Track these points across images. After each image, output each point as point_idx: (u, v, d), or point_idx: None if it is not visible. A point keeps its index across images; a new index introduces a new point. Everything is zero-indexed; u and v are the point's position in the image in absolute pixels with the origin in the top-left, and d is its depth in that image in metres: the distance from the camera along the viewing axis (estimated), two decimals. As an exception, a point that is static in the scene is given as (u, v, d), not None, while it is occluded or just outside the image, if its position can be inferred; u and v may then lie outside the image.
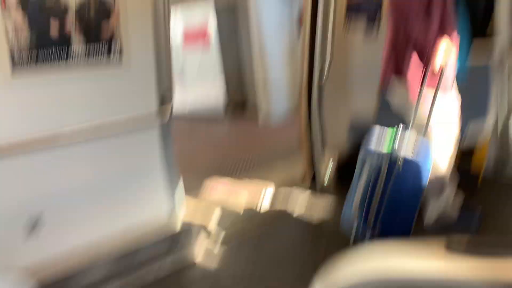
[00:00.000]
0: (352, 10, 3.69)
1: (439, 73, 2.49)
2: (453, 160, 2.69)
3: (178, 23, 9.15)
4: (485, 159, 3.49)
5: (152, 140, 2.59)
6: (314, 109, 3.61)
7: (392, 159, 2.36)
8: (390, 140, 2.39)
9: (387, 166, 2.36)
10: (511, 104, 3.36)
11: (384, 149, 2.39)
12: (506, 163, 3.47)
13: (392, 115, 2.97)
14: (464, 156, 3.44)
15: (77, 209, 2.31)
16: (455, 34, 2.53)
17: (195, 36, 9.61)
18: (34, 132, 2.13)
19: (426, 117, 2.53)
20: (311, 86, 3.59)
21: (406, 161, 2.34)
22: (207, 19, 9.22)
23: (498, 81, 3.33)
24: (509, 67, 3.28)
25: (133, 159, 2.56)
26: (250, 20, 8.13)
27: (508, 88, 3.32)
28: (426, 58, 2.51)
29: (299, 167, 4.05)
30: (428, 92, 2.56)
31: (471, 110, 3.01)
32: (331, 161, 3.72)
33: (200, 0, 9.29)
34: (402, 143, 2.37)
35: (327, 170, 3.75)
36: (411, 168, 2.37)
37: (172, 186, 2.72)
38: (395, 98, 2.86)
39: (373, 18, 3.73)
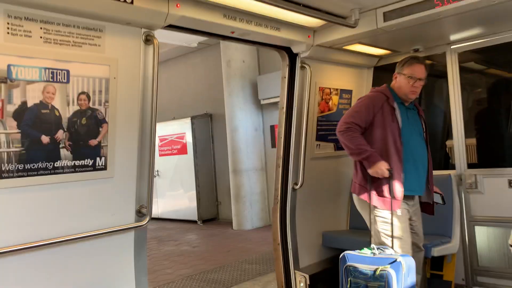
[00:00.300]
0: (320, 138, 4.00)
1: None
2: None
3: (157, 132, 9.50)
4: (454, 266, 3.76)
5: (127, 247, 2.60)
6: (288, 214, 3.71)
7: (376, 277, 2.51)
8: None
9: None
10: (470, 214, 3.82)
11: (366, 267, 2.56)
12: (476, 270, 3.80)
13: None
14: (437, 263, 3.67)
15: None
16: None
17: (172, 144, 9.89)
18: (16, 237, 2.13)
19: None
20: (286, 192, 3.72)
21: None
22: (185, 128, 9.60)
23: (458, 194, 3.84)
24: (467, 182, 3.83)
25: (107, 265, 2.53)
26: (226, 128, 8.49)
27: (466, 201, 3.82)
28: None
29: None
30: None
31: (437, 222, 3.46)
32: (304, 277, 3.72)
33: (180, 116, 9.80)
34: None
35: (300, 287, 3.73)
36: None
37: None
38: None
39: (340, 147, 4.10)
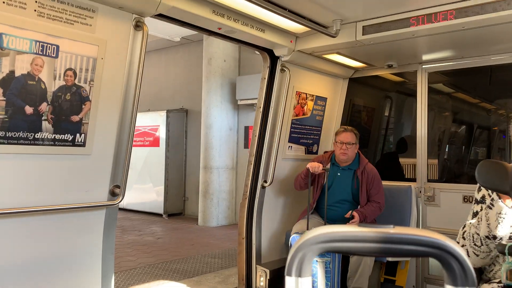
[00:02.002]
0: (293, 140, 4.17)
1: None
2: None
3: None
4: (407, 272, 4.02)
5: (97, 224, 2.67)
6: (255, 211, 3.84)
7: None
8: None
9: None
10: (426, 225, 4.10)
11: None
12: (426, 278, 4.06)
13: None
14: (391, 269, 3.89)
15: (16, 281, 2.28)
16: None
17: (144, 135, 9.87)
18: None
19: None
20: (255, 189, 3.84)
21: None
22: (159, 121, 9.61)
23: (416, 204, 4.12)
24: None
25: (76, 240, 2.59)
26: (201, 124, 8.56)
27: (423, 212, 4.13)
28: None
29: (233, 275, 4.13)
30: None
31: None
32: (265, 272, 3.85)
33: (156, 109, 9.80)
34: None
35: (260, 281, 3.86)
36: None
37: (106, 276, 2.73)
38: None
39: (310, 151, 4.32)
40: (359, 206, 3.79)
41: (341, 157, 3.83)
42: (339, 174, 3.89)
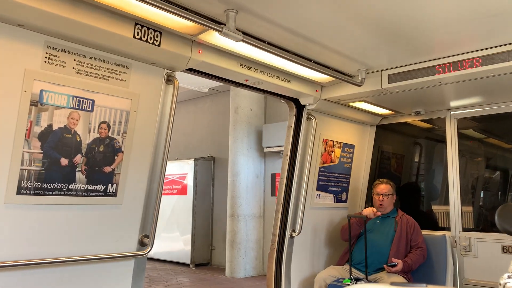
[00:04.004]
0: (321, 188, 4.14)
1: None
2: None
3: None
4: None
5: (126, 275, 2.67)
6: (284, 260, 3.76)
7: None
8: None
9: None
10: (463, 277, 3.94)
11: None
12: None
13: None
14: None
15: None
16: None
17: (173, 183, 9.97)
18: (24, 252, 2.22)
19: None
20: (283, 238, 3.78)
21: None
22: (187, 169, 9.72)
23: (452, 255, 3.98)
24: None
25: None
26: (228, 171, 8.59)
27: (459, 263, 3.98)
28: None
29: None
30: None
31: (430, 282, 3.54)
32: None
33: (184, 157, 9.97)
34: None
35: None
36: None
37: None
38: None
39: (339, 199, 4.28)
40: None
41: (379, 208, 4.04)
42: (378, 222, 4.05)
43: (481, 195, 5.94)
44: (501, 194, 6.14)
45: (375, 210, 3.95)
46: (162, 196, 9.14)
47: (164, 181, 10.83)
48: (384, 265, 3.72)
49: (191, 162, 9.65)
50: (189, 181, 9.62)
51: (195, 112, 10.65)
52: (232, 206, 8.33)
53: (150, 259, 9.45)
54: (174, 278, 7.78)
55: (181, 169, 9.84)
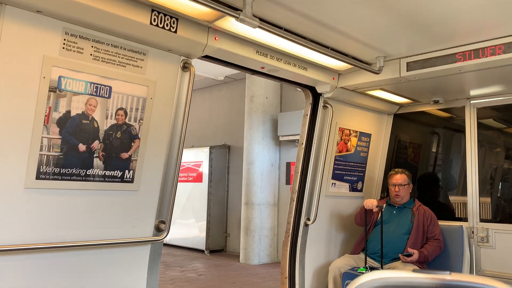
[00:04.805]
0: (336, 177, 4.12)
1: None
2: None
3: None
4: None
5: (142, 260, 2.71)
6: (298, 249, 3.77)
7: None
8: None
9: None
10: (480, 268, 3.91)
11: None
12: None
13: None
14: None
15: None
16: None
17: (188, 171, 10.05)
18: (42, 236, 2.26)
19: None
20: (298, 227, 3.78)
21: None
22: (202, 157, 9.77)
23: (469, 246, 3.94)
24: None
25: (120, 275, 2.63)
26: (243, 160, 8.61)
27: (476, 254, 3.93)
28: None
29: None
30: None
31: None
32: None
33: (199, 145, 10.01)
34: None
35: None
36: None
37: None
38: None
39: (354, 188, 4.25)
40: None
41: (395, 199, 4.02)
42: (394, 212, 4.03)
43: (500, 186, 5.84)
44: (521, 185, 6.02)
45: (375, 202, 3.83)
46: (178, 183, 9.25)
47: (180, 168, 10.92)
48: (400, 255, 3.70)
49: (206, 150, 9.69)
50: (204, 169, 9.68)
51: (210, 100, 10.67)
52: (247, 194, 8.36)
53: (165, 245, 9.58)
54: (189, 264, 7.89)
55: (197, 157, 9.90)
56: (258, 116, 8.47)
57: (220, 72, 8.58)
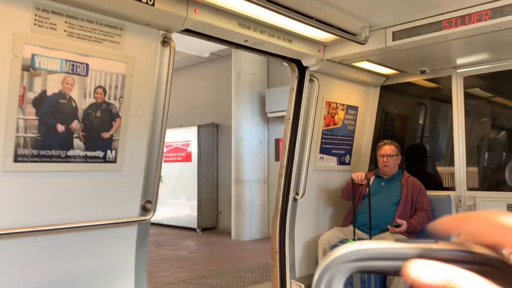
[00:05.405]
0: (324, 152, 4.09)
1: None
2: None
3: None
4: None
5: (129, 240, 2.67)
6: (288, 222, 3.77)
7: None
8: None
9: None
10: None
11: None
12: None
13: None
14: None
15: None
16: None
17: (177, 151, 9.98)
18: (24, 220, 2.21)
19: None
20: (287, 202, 3.78)
21: None
22: (191, 136, 9.70)
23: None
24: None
25: (108, 256, 2.60)
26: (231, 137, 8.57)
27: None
28: None
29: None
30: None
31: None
32: (300, 287, 3.75)
33: (187, 124, 9.92)
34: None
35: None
36: None
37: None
38: None
39: (342, 161, 4.23)
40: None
41: (383, 169, 4.01)
42: (383, 184, 4.04)
43: (486, 156, 5.89)
44: (507, 154, 6.08)
45: (363, 175, 3.88)
46: (167, 163, 9.21)
47: (168, 148, 10.88)
48: (388, 226, 3.73)
49: (194, 129, 9.61)
50: (193, 148, 9.62)
51: (197, 78, 10.52)
52: (237, 172, 8.35)
53: (157, 224, 9.58)
54: (181, 242, 7.91)
55: (185, 137, 9.82)
56: (246, 93, 8.38)
57: (204, 48, 8.43)
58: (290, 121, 3.83)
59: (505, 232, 0.39)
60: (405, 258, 0.41)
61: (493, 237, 0.40)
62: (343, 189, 4.11)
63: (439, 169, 5.34)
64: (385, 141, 4.12)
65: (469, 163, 4.21)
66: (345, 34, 3.18)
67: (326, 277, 0.40)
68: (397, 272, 0.41)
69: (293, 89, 3.81)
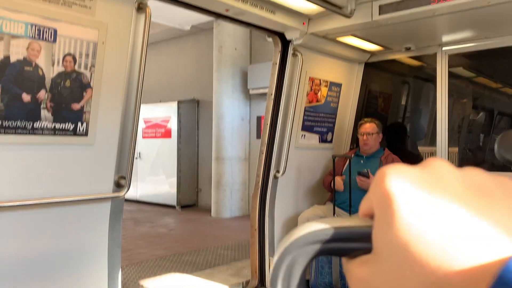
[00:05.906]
0: (306, 129, 4.02)
1: None
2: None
3: (142, 113, 9.39)
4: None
5: (102, 217, 2.56)
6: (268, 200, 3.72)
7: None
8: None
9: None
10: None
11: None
12: None
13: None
14: None
15: (17, 278, 2.19)
16: None
17: (156, 127, 9.79)
18: None
19: None
20: (267, 179, 3.71)
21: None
22: (171, 112, 9.51)
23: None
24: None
25: (80, 233, 2.49)
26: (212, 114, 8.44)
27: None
28: None
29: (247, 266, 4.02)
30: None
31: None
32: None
33: (167, 100, 9.71)
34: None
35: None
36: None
37: (112, 271, 2.63)
38: None
39: (324, 139, 4.17)
40: None
41: (363, 147, 3.97)
42: (362, 161, 3.98)
43: (466, 136, 5.93)
44: (485, 135, 6.14)
45: (341, 182, 3.84)
46: (146, 139, 9.00)
47: (147, 124, 10.63)
48: (356, 177, 3.71)
49: (174, 105, 9.41)
50: (173, 125, 9.43)
51: (177, 52, 10.25)
52: (217, 149, 8.24)
53: (135, 201, 9.45)
54: (160, 220, 7.82)
55: (165, 113, 9.61)
56: (227, 68, 8.20)
57: (185, 20, 8.17)
58: (272, 97, 3.73)
59: (372, 196, 0.31)
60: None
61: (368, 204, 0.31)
62: (325, 178, 4.10)
63: (420, 149, 5.34)
64: (366, 119, 4.06)
65: (450, 143, 4.20)
66: (331, 6, 3.06)
67: (286, 262, 0.31)
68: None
69: (276, 64, 3.69)
